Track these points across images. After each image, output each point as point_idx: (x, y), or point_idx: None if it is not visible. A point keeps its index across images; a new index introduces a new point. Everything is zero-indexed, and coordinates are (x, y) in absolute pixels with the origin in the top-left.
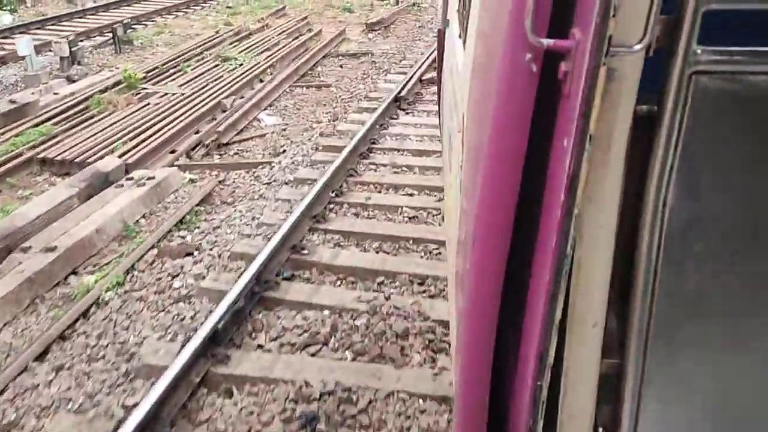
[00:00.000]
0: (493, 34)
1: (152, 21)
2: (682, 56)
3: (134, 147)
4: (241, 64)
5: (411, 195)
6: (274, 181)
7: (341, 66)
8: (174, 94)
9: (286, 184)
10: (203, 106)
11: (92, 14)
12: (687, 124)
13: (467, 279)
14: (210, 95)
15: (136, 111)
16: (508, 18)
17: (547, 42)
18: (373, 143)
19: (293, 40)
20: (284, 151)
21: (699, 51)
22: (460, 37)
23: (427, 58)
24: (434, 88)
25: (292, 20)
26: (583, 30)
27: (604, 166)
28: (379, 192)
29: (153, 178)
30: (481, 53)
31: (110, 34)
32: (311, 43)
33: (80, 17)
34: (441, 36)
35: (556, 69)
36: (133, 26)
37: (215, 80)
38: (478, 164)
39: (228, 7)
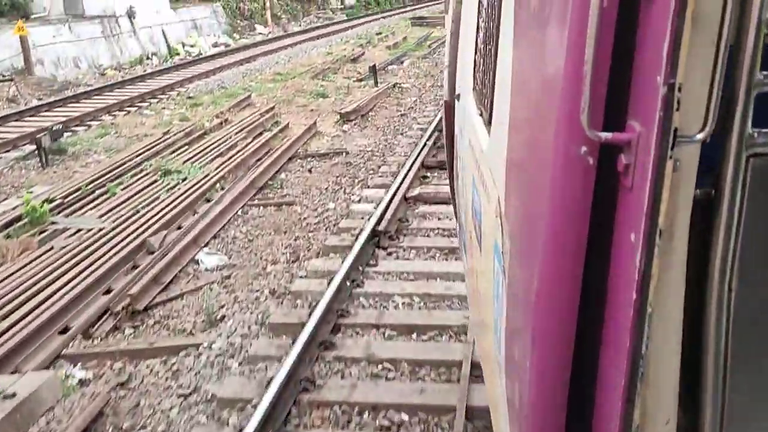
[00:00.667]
0: (536, 123)
1: (98, 120)
2: (737, 139)
3: (6, 330)
4: (185, 178)
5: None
6: (195, 390)
7: (310, 170)
8: (90, 230)
9: (209, 401)
10: (123, 248)
11: (17, 120)
12: (747, 207)
13: (529, 370)
14: (136, 230)
15: (31, 263)
16: (559, 111)
17: (605, 135)
18: (342, 315)
19: (254, 139)
20: (222, 318)
21: (755, 134)
22: (480, 115)
23: (413, 163)
24: (428, 219)
25: (256, 112)
26: (643, 122)
27: (668, 255)
28: (348, 422)
29: (13, 395)
30: (520, 141)
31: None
32: (276, 141)
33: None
34: (449, 108)
35: (611, 159)
36: (73, 128)
37: (149, 204)
38: (533, 255)
39: (189, 97)
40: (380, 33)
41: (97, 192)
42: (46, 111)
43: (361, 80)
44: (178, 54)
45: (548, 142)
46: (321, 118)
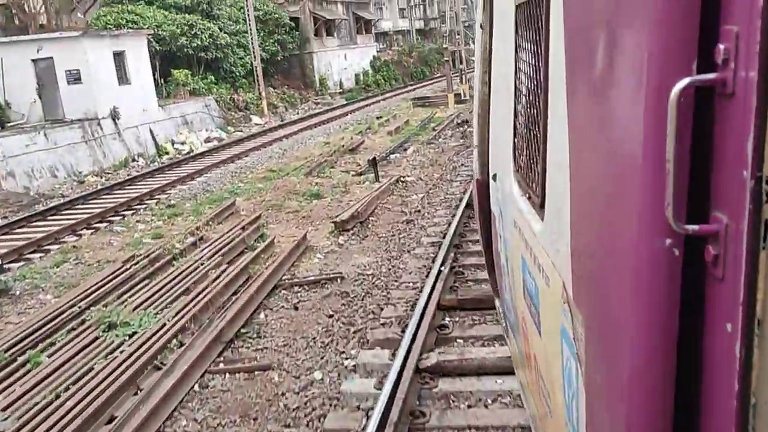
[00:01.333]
0: (610, 213)
1: (59, 243)
2: None
3: None
4: (134, 333)
5: None
6: None
7: (296, 307)
8: None
9: None
10: None
11: None
12: None
13: None
14: (52, 426)
15: None
16: (641, 204)
17: (692, 228)
18: None
19: (231, 264)
20: None
21: None
22: (528, 198)
23: (426, 304)
24: (455, 407)
25: (238, 225)
26: (731, 214)
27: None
28: None
29: None
30: (589, 230)
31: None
32: (258, 264)
33: None
34: (481, 186)
35: (695, 250)
36: (28, 256)
37: (76, 381)
38: (620, 348)
39: (169, 206)
40: (381, 117)
41: (16, 363)
42: (3, 234)
43: (360, 174)
44: (167, 153)
45: (629, 233)
46: (314, 226)
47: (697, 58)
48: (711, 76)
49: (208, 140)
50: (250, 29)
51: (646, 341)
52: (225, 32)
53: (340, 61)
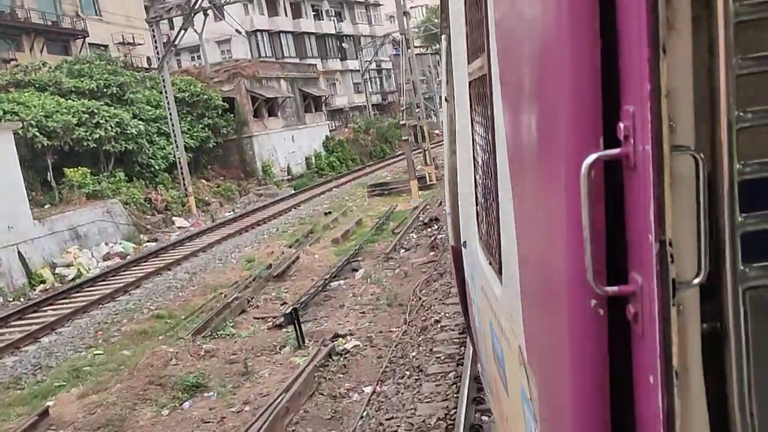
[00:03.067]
0: (545, 278)
1: None
2: (731, 276)
3: None
4: None
5: None
6: None
7: None
8: None
9: None
10: None
11: None
12: (752, 337)
13: None
14: None
15: None
16: (566, 269)
17: (612, 289)
18: None
19: None
20: None
21: (746, 269)
22: (490, 264)
23: None
24: None
25: None
26: (644, 274)
27: (687, 392)
28: None
29: None
30: (533, 294)
31: None
32: None
33: None
34: (456, 252)
35: (621, 309)
36: None
37: None
38: (562, 405)
39: None
40: (330, 212)
41: None
42: None
43: (279, 327)
44: (43, 281)
45: (560, 296)
46: None
47: (603, 133)
48: (615, 151)
49: (107, 257)
50: (170, 114)
51: (583, 397)
52: (141, 119)
53: (286, 144)
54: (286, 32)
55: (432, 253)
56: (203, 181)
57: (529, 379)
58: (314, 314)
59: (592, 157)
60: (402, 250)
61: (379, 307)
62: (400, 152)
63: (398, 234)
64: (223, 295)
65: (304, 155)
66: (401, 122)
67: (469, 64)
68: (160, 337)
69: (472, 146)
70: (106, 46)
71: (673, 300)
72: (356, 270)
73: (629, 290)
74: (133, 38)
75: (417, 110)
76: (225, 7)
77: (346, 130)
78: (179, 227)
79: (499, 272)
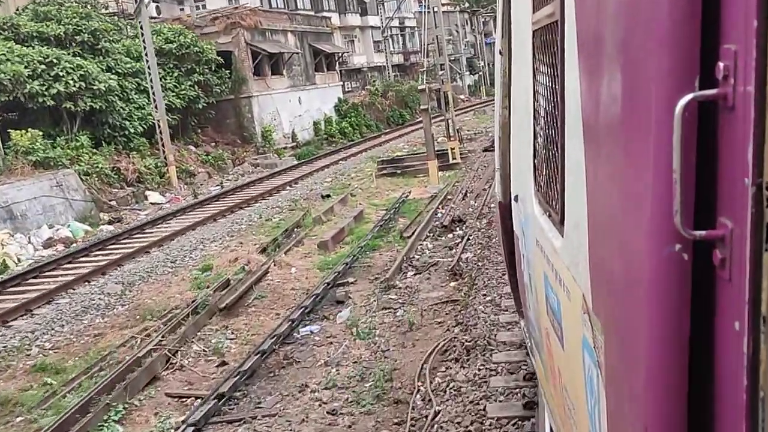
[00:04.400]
0: (623, 225)
1: None
2: None
3: None
4: None
5: None
6: None
7: None
8: None
9: None
10: None
11: None
12: None
13: None
14: None
15: None
16: (651, 214)
17: (700, 233)
18: None
19: None
20: None
21: None
22: (549, 216)
23: None
24: None
25: None
26: (735, 219)
27: None
28: None
29: None
30: (605, 242)
31: None
32: None
33: None
34: (504, 209)
35: (704, 255)
36: None
37: None
38: (635, 350)
39: None
40: (328, 195)
41: None
42: None
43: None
44: None
45: (641, 240)
46: None
47: (699, 75)
48: (712, 91)
49: (48, 244)
50: (148, 67)
51: (660, 342)
52: (117, 72)
53: (292, 107)
54: None
55: (454, 284)
56: (191, 147)
57: (594, 327)
58: (257, 397)
59: (688, 97)
60: (410, 272)
61: (361, 400)
62: (420, 119)
63: (408, 240)
64: (139, 340)
65: (313, 119)
66: (420, 87)
67: (534, 12)
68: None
69: (532, 98)
70: None
71: (766, 245)
72: (341, 302)
73: (718, 234)
74: None
75: (441, 72)
76: None
77: (363, 92)
78: (153, 203)
79: (560, 223)
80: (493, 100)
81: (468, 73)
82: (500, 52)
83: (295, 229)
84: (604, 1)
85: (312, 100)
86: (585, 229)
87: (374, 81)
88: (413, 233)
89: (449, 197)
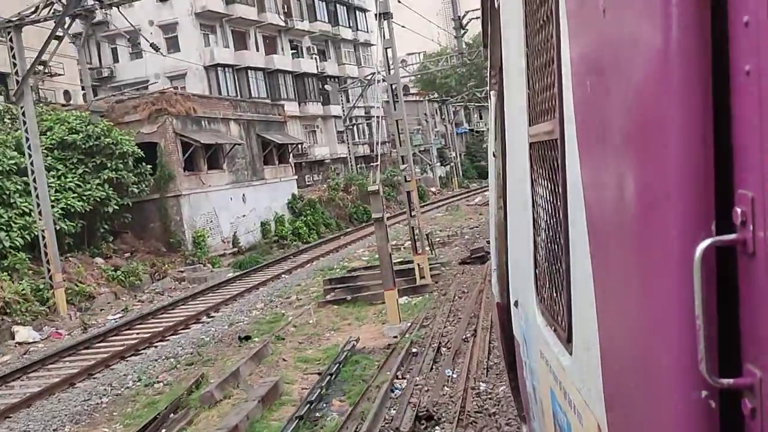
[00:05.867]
0: (644, 362)
1: None
2: None
3: None
4: None
5: None
6: None
7: None
8: None
9: None
10: None
11: None
12: None
13: None
14: None
15: None
16: (675, 358)
17: (727, 381)
18: None
19: None
20: None
21: None
22: (554, 330)
23: None
24: None
25: None
26: (763, 367)
27: None
28: None
29: None
30: (621, 374)
31: None
32: None
33: None
34: (502, 311)
35: (731, 402)
36: None
37: None
38: None
39: None
40: (248, 337)
41: None
42: None
43: None
44: None
45: (664, 383)
46: None
47: (715, 220)
48: (731, 236)
49: None
50: (31, 164)
51: None
52: None
53: (234, 206)
54: (255, 68)
55: None
56: (98, 260)
57: None
58: None
59: (706, 242)
60: None
61: None
62: (391, 214)
63: None
64: None
65: (260, 219)
66: (371, 188)
67: (531, 126)
68: None
69: (531, 206)
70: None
71: None
72: None
73: (745, 383)
74: (50, 68)
75: (404, 166)
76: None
77: (324, 186)
78: (20, 344)
79: (567, 341)
80: (468, 193)
81: (439, 164)
82: (494, 155)
83: (172, 415)
84: (611, 125)
85: (259, 198)
86: (597, 355)
87: (337, 173)
88: None
89: (415, 348)
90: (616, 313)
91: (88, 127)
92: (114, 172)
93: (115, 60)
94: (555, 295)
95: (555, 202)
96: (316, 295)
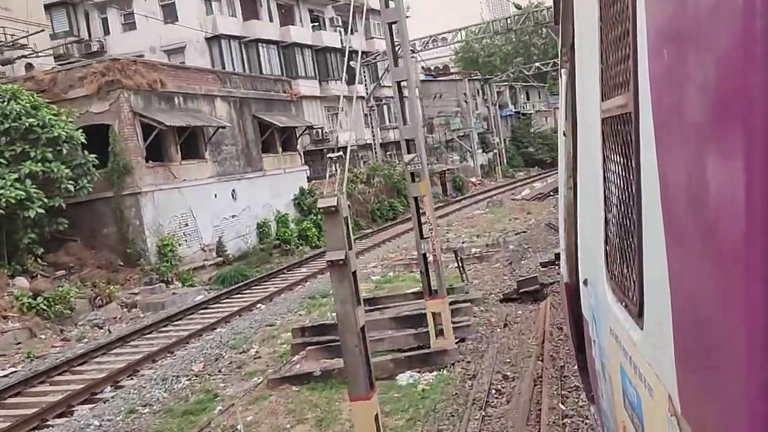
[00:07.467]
0: (716, 331)
1: None
2: None
3: None
4: None
5: None
6: None
7: None
8: None
9: None
10: None
11: None
12: None
13: None
14: None
15: None
16: (751, 336)
17: None
18: None
19: None
20: None
21: None
22: (625, 306)
23: None
24: None
25: None
26: None
27: None
28: None
29: None
30: (696, 347)
31: None
32: None
33: None
34: (571, 292)
35: None
36: None
37: None
38: None
39: None
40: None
41: None
42: None
43: None
44: None
45: (739, 362)
46: None
47: None
48: None
49: None
50: None
51: None
52: None
53: (218, 204)
54: (267, 42)
55: None
56: (19, 279)
57: (682, 430)
58: None
59: None
60: None
61: None
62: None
63: None
64: None
65: (257, 220)
66: (320, 204)
67: (603, 101)
68: None
69: (602, 183)
70: None
71: None
72: None
73: None
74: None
75: (411, 156)
76: None
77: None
78: None
79: (638, 316)
80: (514, 184)
81: (480, 150)
82: (564, 134)
83: None
84: (683, 92)
85: (256, 193)
86: (669, 329)
87: (365, 162)
88: None
89: None
90: (690, 288)
91: (6, 105)
92: (40, 164)
93: (106, 32)
94: (626, 270)
95: (628, 176)
96: (284, 349)
